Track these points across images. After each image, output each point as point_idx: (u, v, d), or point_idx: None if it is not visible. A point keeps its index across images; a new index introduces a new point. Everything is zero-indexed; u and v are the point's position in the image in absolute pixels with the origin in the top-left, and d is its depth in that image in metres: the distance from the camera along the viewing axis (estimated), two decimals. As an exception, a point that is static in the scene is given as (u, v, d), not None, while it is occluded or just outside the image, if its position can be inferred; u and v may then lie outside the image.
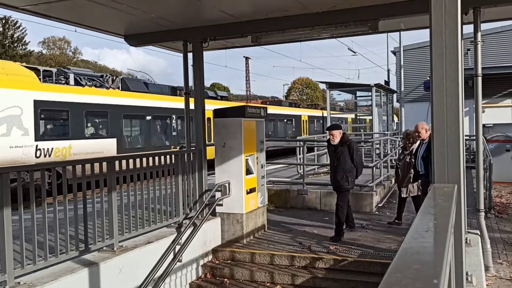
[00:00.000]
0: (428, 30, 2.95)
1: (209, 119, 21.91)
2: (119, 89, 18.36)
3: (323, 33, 6.97)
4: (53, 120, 15.70)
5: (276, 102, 39.43)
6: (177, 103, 20.27)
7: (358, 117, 28.74)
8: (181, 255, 6.10)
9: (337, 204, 7.28)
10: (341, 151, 7.14)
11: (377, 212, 9.14)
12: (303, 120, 36.82)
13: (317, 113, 40.95)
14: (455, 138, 2.91)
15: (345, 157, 7.11)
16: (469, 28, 6.56)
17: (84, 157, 15.20)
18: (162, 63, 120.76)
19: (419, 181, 7.46)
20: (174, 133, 21.00)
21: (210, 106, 21.95)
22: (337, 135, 7.18)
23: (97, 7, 6.06)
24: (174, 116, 20.79)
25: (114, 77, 18.93)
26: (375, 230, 7.72)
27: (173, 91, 21.94)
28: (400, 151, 8.25)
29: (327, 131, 7.45)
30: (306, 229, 7.87)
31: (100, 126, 17.51)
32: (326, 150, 14.89)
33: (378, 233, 7.51)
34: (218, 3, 6.21)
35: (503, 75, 18.14)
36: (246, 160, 7.38)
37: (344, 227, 7.31)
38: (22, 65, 15.65)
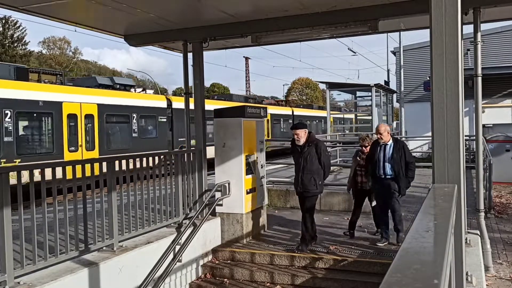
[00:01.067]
0: (428, 30, 2.95)
1: (91, 116, 15.96)
2: None
3: (323, 33, 6.97)
4: None
5: (225, 96, 32.18)
6: (21, 91, 13.71)
7: (358, 117, 28.75)
8: (181, 255, 6.10)
9: (305, 213, 6.80)
10: (307, 151, 6.70)
11: (377, 212, 9.12)
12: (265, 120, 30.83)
13: (285, 111, 34.42)
14: (455, 138, 2.91)
15: (312, 158, 6.68)
16: (469, 28, 6.56)
17: None
18: (162, 63, 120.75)
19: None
20: (8, 139, 13.33)
21: (95, 98, 16.30)
22: (302, 135, 6.72)
23: (97, 7, 6.06)
24: (9, 113, 13.35)
25: None
26: (375, 230, 7.70)
27: (19, 73, 14.39)
28: (359, 155, 7.30)
29: (292, 131, 6.96)
30: (306, 229, 7.86)
31: None
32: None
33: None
34: (218, 3, 6.21)
35: (503, 75, 18.14)
36: (246, 160, 7.38)
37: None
38: None
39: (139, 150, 14.99)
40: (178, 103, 19.71)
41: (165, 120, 20.17)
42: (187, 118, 7.89)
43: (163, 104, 20.31)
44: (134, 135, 18.46)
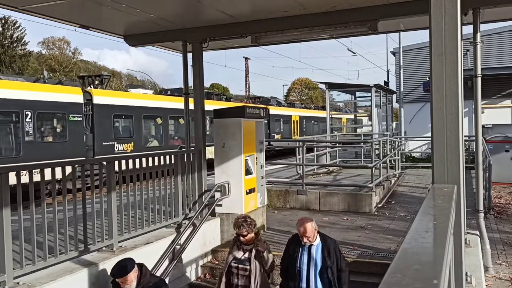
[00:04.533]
0: (427, 30, 2.95)
1: None
2: None
3: (322, 34, 6.97)
4: None
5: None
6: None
7: (356, 117, 28.67)
8: (180, 256, 6.10)
9: None
10: None
11: (376, 213, 9.14)
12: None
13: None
14: (454, 139, 2.91)
15: None
16: (469, 29, 6.57)
17: None
18: (162, 63, 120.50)
19: None
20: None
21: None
22: (131, 279, 4.35)
23: (97, 7, 6.06)
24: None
25: None
26: (374, 230, 7.72)
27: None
28: (237, 245, 4.99)
29: (115, 279, 4.45)
30: (305, 230, 7.85)
31: None
32: (324, 151, 14.73)
33: (377, 233, 7.51)
34: (218, 4, 6.21)
35: (502, 75, 18.14)
36: (246, 160, 7.38)
37: None
38: None
39: (33, 159, 12.82)
40: (103, 97, 17.14)
41: (79, 119, 16.07)
42: (187, 118, 7.88)
43: (77, 98, 16.07)
44: (28, 138, 14.20)
